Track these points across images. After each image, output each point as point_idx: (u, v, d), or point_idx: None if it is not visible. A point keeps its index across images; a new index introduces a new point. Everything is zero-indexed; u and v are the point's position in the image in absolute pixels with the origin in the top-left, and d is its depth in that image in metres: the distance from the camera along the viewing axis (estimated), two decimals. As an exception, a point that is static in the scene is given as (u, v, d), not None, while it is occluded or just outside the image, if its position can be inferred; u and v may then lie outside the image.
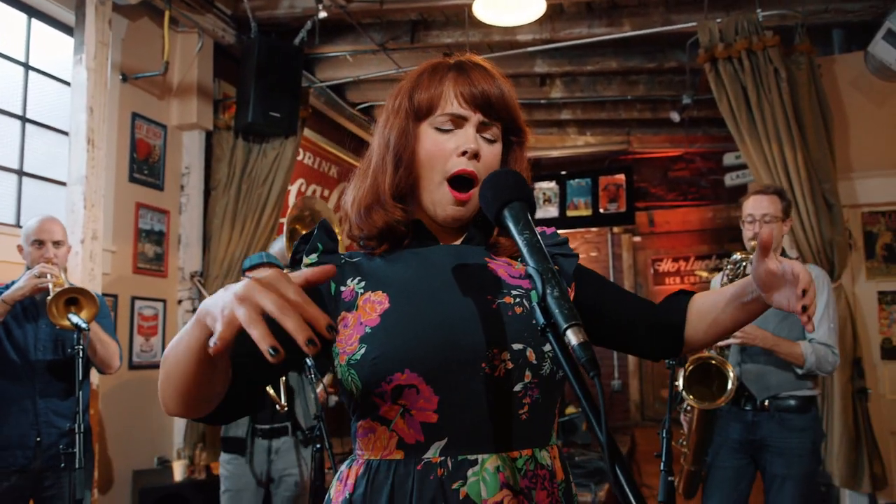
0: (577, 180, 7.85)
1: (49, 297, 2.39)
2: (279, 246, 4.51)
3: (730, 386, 2.45)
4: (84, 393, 2.78)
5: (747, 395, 2.63)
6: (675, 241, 7.67)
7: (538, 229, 1.17)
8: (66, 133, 4.07)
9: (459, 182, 1.07)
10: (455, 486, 0.94)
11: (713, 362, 2.49)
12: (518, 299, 1.04)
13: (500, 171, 1.03)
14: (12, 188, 4.00)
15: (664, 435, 2.18)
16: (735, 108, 4.12)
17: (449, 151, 1.07)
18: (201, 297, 4.86)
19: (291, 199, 6.39)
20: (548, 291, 0.84)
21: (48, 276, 2.53)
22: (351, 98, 6.84)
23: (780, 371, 2.60)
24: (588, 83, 6.08)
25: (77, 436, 2.12)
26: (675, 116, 6.08)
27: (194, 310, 4.99)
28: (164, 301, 4.77)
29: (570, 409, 6.11)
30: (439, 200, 1.08)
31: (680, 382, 2.44)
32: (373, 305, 1.02)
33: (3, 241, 3.70)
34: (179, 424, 4.70)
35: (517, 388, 0.99)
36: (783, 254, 2.70)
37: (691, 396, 2.47)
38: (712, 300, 1.13)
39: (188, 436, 4.59)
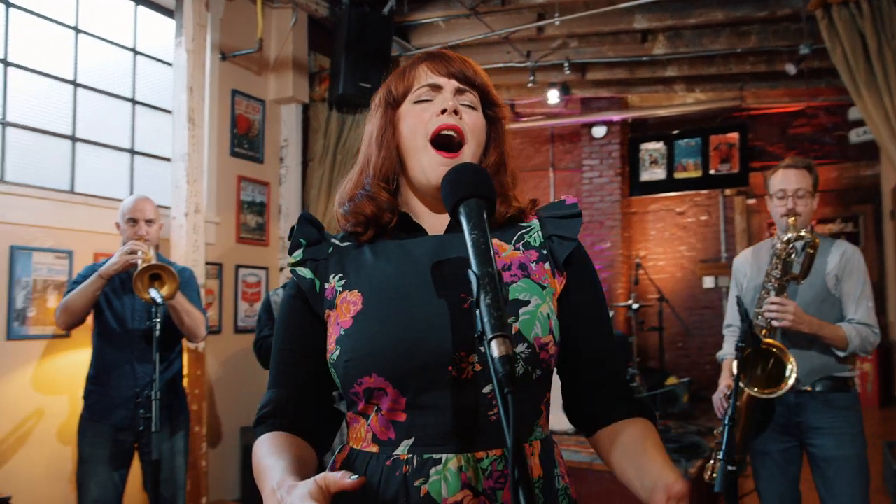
0: (685, 140, 7.46)
1: (135, 273, 2.59)
2: None
3: (787, 374, 2.32)
4: (175, 359, 3.00)
5: None
6: (795, 203, 7.12)
7: (565, 198, 1.16)
8: (170, 112, 4.33)
9: (443, 141, 1.06)
10: (417, 483, 0.95)
11: (773, 350, 2.35)
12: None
13: (460, 166, 1.00)
14: (125, 166, 4.32)
15: (727, 422, 2.07)
16: (851, 59, 3.75)
17: (430, 115, 1.07)
18: (301, 265, 5.08)
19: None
20: (481, 297, 0.82)
21: (138, 252, 2.73)
22: (448, 64, 6.82)
23: (823, 354, 2.48)
24: (693, 37, 5.71)
25: (153, 402, 2.30)
26: (791, 69, 5.60)
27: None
28: (266, 269, 5.02)
29: (671, 380, 5.92)
30: (427, 165, 1.06)
31: (736, 370, 2.30)
32: (348, 306, 1.03)
33: (116, 214, 4.04)
34: (282, 385, 4.98)
35: (486, 389, 0.97)
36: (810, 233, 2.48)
37: (755, 389, 2.34)
38: (631, 446, 1.01)
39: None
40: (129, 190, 4.32)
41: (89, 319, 2.94)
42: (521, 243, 1.10)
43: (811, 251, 2.44)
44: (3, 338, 3.43)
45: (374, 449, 1.00)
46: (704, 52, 5.88)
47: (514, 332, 0.97)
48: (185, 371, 4.07)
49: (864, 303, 2.49)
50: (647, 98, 7.55)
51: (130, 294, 2.70)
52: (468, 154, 1.08)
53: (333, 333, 1.03)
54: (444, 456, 0.96)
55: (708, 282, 7.35)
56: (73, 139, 3.98)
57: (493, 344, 0.79)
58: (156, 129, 4.50)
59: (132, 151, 4.36)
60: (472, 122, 1.09)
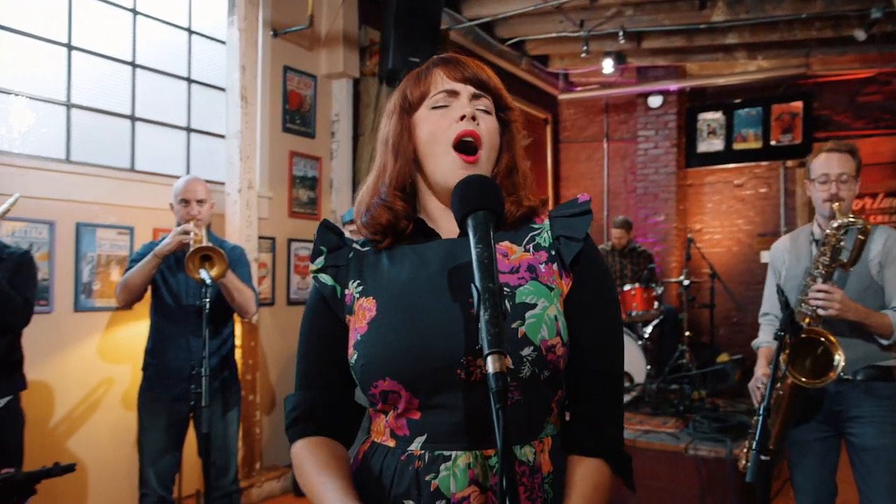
0: (746, 110, 7.21)
1: (187, 254, 2.71)
2: None
3: (835, 363, 2.25)
4: (227, 334, 3.14)
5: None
6: (862, 176, 6.81)
7: (579, 196, 1.16)
8: (224, 89, 4.44)
9: (464, 146, 1.09)
10: (428, 478, 1.00)
11: (822, 339, 2.30)
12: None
13: (470, 178, 1.02)
14: (182, 143, 4.47)
15: (762, 412, 2.05)
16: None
17: (449, 121, 1.10)
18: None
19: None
20: (481, 313, 0.86)
21: (190, 234, 2.86)
22: (501, 34, 6.74)
23: (866, 343, 2.41)
24: (754, 3, 5.48)
25: (203, 378, 2.42)
26: (861, 34, 5.33)
27: (343, 224, 5.35)
28: (318, 242, 5.14)
29: (722, 357, 5.83)
30: (449, 168, 1.09)
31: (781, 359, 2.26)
32: (364, 312, 1.08)
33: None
34: (333, 355, 5.13)
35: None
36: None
37: (803, 378, 2.29)
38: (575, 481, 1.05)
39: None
40: (186, 167, 4.47)
41: (147, 295, 3.09)
42: (531, 245, 1.12)
43: (862, 238, 2.36)
44: (71, 310, 3.65)
45: (391, 443, 1.06)
46: (766, 19, 5.64)
47: (520, 336, 1.00)
48: (238, 342, 4.25)
49: None
50: (707, 66, 7.31)
51: (184, 272, 2.83)
52: (483, 158, 1.11)
53: (352, 338, 1.08)
54: (453, 453, 1.00)
55: (765, 256, 7.11)
56: (133, 119, 4.14)
57: (489, 360, 0.83)
58: (210, 107, 4.63)
59: (188, 129, 4.50)
60: (487, 128, 1.11)
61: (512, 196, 1.13)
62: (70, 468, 2.11)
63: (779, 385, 2.39)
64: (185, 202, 3.00)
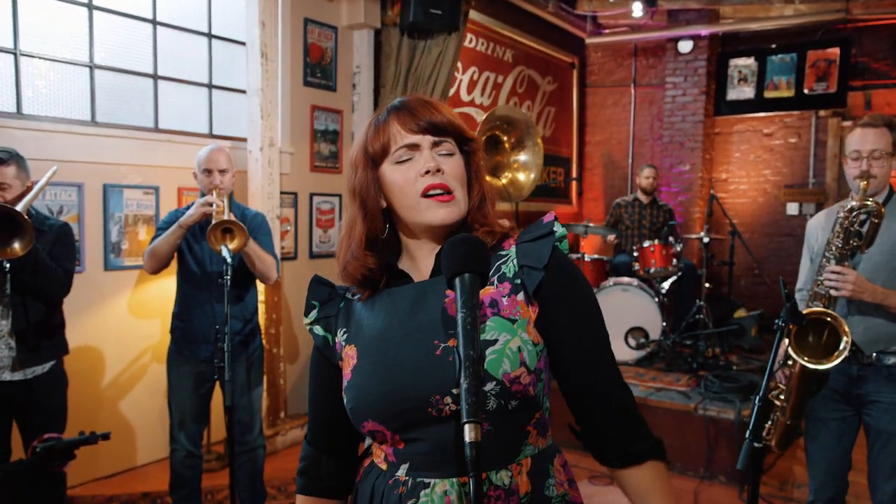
0: (779, 56, 6.97)
1: (209, 227, 2.80)
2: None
3: (842, 346, 2.24)
4: (250, 298, 3.25)
5: (854, 348, 2.41)
6: (896, 127, 6.62)
7: (545, 217, 1.20)
8: (244, 44, 4.42)
9: (433, 194, 1.14)
10: (410, 502, 1.10)
11: (828, 318, 2.29)
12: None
13: (457, 240, 1.06)
14: (204, 100, 4.50)
15: (757, 402, 2.08)
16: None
17: (414, 175, 1.14)
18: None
19: (463, 88, 6.45)
20: (461, 379, 0.93)
21: (213, 205, 2.94)
22: (526, -24, 6.54)
23: (891, 324, 2.38)
24: (793, -52, 5.23)
25: (226, 353, 2.54)
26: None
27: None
28: (339, 195, 5.20)
29: (740, 313, 5.86)
30: (425, 210, 1.14)
31: (787, 342, 2.28)
32: (348, 360, 1.17)
33: (198, 150, 4.26)
34: (355, 306, 5.27)
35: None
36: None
37: (804, 357, 2.30)
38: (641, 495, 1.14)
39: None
40: (209, 124, 4.52)
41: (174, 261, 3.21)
42: (496, 275, 1.16)
43: (875, 221, 2.35)
44: (101, 269, 3.80)
45: (384, 466, 1.17)
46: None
47: (482, 373, 1.06)
48: (261, 298, 4.39)
49: None
50: (741, 10, 7.03)
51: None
52: (460, 197, 1.16)
53: (343, 382, 1.18)
54: (432, 480, 1.10)
55: (792, 208, 7.04)
56: (155, 77, 4.17)
57: (466, 428, 0.90)
58: (232, 61, 4.64)
59: (210, 86, 4.52)
60: (453, 171, 1.16)
61: (485, 227, 1.19)
62: (106, 436, 2.27)
63: (791, 363, 2.41)
64: (208, 172, 3.07)
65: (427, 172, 1.13)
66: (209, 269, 3.10)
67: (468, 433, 0.89)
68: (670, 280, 5.59)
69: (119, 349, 3.92)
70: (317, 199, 5.05)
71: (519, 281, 1.15)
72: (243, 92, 4.51)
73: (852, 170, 2.44)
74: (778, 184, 7.19)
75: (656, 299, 5.11)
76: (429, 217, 1.14)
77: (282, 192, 4.59)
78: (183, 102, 4.37)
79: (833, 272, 2.36)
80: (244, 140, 4.45)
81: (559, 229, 1.17)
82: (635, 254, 5.56)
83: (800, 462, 4.04)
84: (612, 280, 5.30)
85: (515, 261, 1.17)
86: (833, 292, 2.37)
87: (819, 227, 2.66)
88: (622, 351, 5.12)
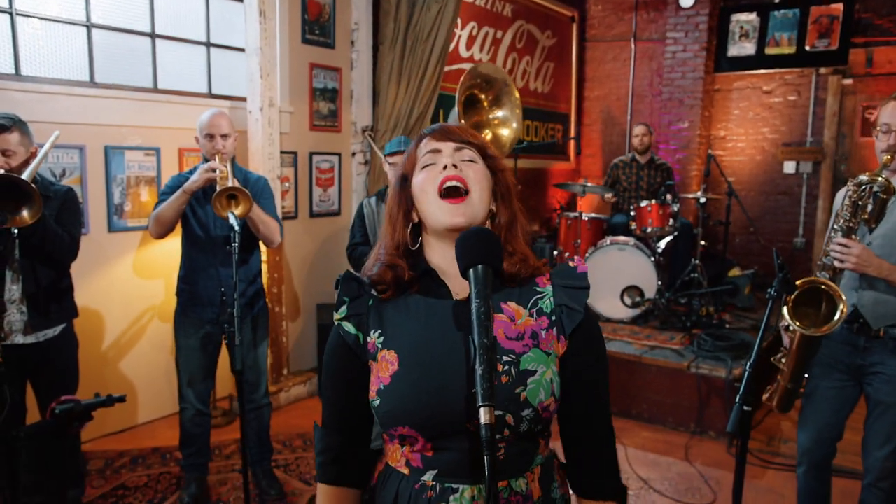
0: (782, 11, 6.89)
1: (214, 194, 2.82)
2: (454, 115, 4.65)
3: (837, 315, 2.29)
4: (254, 261, 3.31)
5: (861, 321, 2.46)
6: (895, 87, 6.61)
7: (577, 264, 1.28)
8: (241, 0, 4.36)
9: (450, 192, 1.20)
10: None
11: (823, 287, 2.33)
12: (506, 367, 1.16)
13: (469, 232, 1.13)
14: (202, 59, 4.47)
15: (748, 368, 2.13)
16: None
17: (435, 174, 1.22)
18: (372, 151, 5.25)
19: (462, 44, 6.39)
20: (476, 366, 0.99)
21: (216, 171, 2.96)
22: (526, -72, 6.40)
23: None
24: None
25: (235, 319, 2.59)
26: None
27: (366, 162, 5.42)
28: (338, 154, 5.21)
29: (734, 272, 5.94)
30: (438, 214, 1.20)
31: (785, 310, 2.33)
32: (387, 365, 1.19)
33: (198, 110, 4.24)
34: (355, 265, 5.34)
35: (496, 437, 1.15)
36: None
37: (797, 322, 2.36)
38: None
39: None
40: (207, 83, 4.50)
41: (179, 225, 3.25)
42: (535, 309, 1.23)
43: (884, 196, 2.33)
44: (105, 230, 3.83)
45: (405, 471, 1.22)
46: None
47: (522, 400, 1.14)
48: (263, 258, 4.45)
49: None
50: (745, -37, 6.92)
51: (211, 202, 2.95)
52: (476, 199, 1.21)
53: (375, 383, 1.21)
54: (461, 486, 1.17)
55: (789, 166, 7.06)
56: (153, 36, 4.13)
57: (481, 411, 0.97)
58: (230, 19, 4.58)
59: (208, 44, 4.48)
60: (474, 172, 1.23)
61: (517, 255, 1.24)
62: (122, 398, 2.34)
63: (791, 329, 2.47)
64: (210, 137, 3.08)
65: (445, 168, 1.21)
66: (213, 232, 3.14)
67: (483, 416, 0.95)
68: (666, 239, 5.65)
69: (124, 309, 3.99)
70: (316, 157, 5.05)
71: (555, 318, 1.22)
72: (242, 50, 4.47)
73: (880, 143, 2.41)
74: (776, 142, 7.19)
75: (652, 259, 5.18)
76: (442, 219, 1.19)
77: (281, 152, 4.59)
78: (181, 62, 4.33)
79: (839, 244, 2.38)
80: (243, 99, 4.43)
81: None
82: (632, 213, 5.61)
83: (787, 418, 4.18)
84: (608, 239, 5.35)
85: (552, 299, 1.24)
86: (837, 264, 2.39)
87: (842, 206, 2.64)
88: (618, 309, 5.21)
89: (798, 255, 7.07)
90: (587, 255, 5.34)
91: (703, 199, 5.54)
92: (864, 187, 2.35)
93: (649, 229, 5.47)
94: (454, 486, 1.17)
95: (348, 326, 1.25)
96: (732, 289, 5.64)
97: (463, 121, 4.69)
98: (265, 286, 4.46)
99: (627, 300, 5.16)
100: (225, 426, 4.17)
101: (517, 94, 5.58)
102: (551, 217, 7.51)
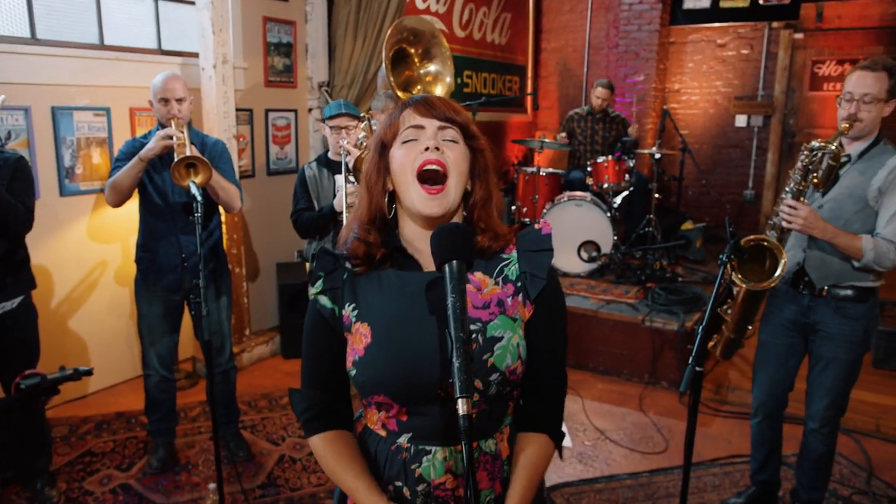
0: (737, -36, 6.91)
1: (172, 164, 2.76)
2: (381, 73, 4.58)
3: (778, 272, 2.42)
4: (215, 227, 3.27)
5: (807, 279, 2.60)
6: (845, 41, 6.75)
7: (541, 226, 1.31)
8: (191, -47, 4.19)
9: (428, 175, 1.21)
10: (413, 466, 1.24)
11: (767, 244, 2.44)
12: (474, 335, 1.21)
13: (445, 227, 1.16)
14: (150, 14, 4.29)
15: (699, 330, 2.23)
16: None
17: (415, 153, 1.22)
18: (329, 107, 5.16)
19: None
20: (453, 358, 1.04)
21: (173, 137, 2.89)
22: None
23: (843, 262, 2.52)
24: None
25: (201, 290, 2.56)
26: None
27: (323, 120, 5.33)
28: (294, 110, 5.12)
29: (687, 225, 6.11)
30: (415, 199, 1.22)
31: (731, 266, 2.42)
32: (360, 337, 1.25)
33: (148, 68, 4.11)
34: (314, 223, 5.30)
35: None
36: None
37: (740, 276, 2.47)
38: (516, 464, 1.27)
39: (320, 236, 5.21)
40: (157, 38, 4.34)
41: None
42: (500, 277, 1.28)
43: (832, 163, 2.42)
44: (57, 195, 3.72)
45: (382, 433, 1.29)
46: None
47: (489, 365, 1.20)
48: (222, 219, 4.39)
49: None
50: (701, -86, 6.89)
51: (170, 170, 2.89)
52: (452, 185, 1.23)
53: (350, 354, 1.26)
54: (433, 448, 1.24)
55: (740, 120, 7.21)
56: (97, -12, 3.94)
57: (459, 402, 1.02)
58: (177, -30, 4.39)
59: (156, -3, 4.30)
60: (454, 156, 1.23)
61: (489, 232, 1.27)
62: (89, 372, 2.33)
63: (736, 289, 2.59)
64: (165, 101, 2.99)
65: (427, 149, 1.21)
66: (172, 199, 3.09)
67: (461, 407, 1.01)
68: (623, 195, 5.76)
69: (81, 274, 3.91)
70: (272, 115, 4.96)
71: (520, 284, 1.27)
72: (192, 3, 4.31)
73: (841, 111, 2.48)
74: (728, 95, 7.32)
75: (608, 214, 5.28)
76: (418, 205, 1.21)
77: (237, 110, 4.49)
78: (128, 16, 4.16)
79: (787, 205, 2.47)
80: (195, 55, 4.30)
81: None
82: (589, 169, 5.69)
83: (734, 367, 4.39)
84: (566, 195, 5.43)
85: (517, 265, 1.28)
86: (785, 225, 2.49)
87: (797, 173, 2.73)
88: (575, 264, 5.33)
89: (748, 207, 7.29)
90: (545, 210, 5.41)
91: (657, 155, 5.63)
92: (815, 153, 2.44)
93: (605, 185, 5.56)
94: (427, 447, 1.24)
95: (324, 300, 1.29)
96: (685, 243, 5.80)
97: (392, 78, 4.61)
98: (224, 248, 4.43)
99: (584, 255, 5.28)
100: (189, 388, 4.17)
101: (446, 45, 5.49)
102: (508, 171, 7.55)
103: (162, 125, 3.06)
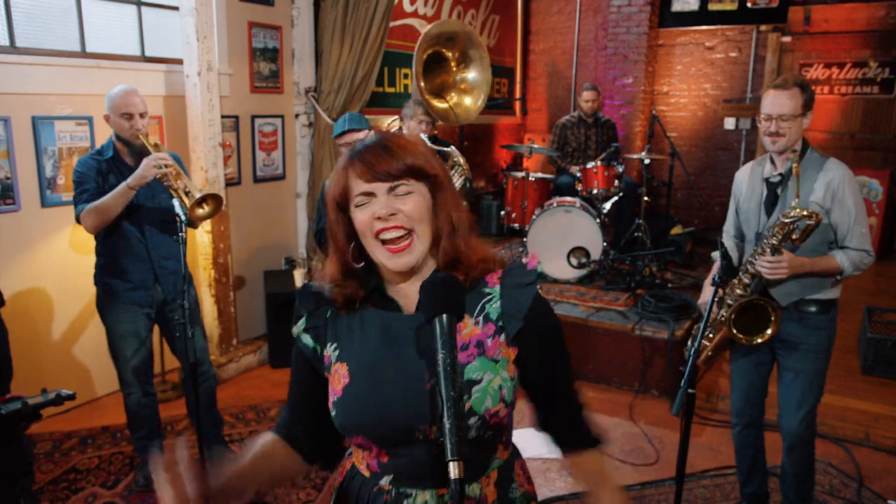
0: (725, -33, 6.92)
1: (189, 207, 2.74)
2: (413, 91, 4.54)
3: (769, 332, 2.54)
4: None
5: (770, 297, 2.65)
6: (832, 44, 6.77)
7: (528, 260, 1.27)
8: (174, -42, 4.12)
9: (388, 239, 1.19)
10: None
11: (761, 303, 2.54)
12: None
13: (432, 281, 1.11)
14: (132, 20, 4.22)
15: (692, 353, 2.25)
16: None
17: (369, 220, 1.19)
18: (316, 112, 5.11)
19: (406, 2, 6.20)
20: (444, 420, 0.99)
21: (163, 166, 2.81)
22: None
23: (804, 281, 2.59)
24: None
25: (186, 311, 2.50)
26: None
27: (310, 124, 5.28)
28: (281, 116, 5.06)
29: (676, 230, 6.11)
30: (382, 258, 1.20)
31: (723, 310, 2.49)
32: (339, 378, 1.22)
33: (131, 75, 4.04)
34: (302, 230, 5.25)
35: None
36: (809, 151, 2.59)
37: (734, 330, 2.58)
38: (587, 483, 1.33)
39: (309, 245, 5.16)
40: (140, 44, 4.27)
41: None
42: (482, 315, 1.23)
43: (813, 227, 2.45)
44: (38, 206, 3.65)
45: (367, 474, 1.27)
46: None
47: (467, 409, 1.16)
48: (207, 228, 4.34)
49: (858, 229, 2.53)
50: (690, -84, 6.88)
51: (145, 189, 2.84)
52: (417, 235, 1.19)
53: (331, 395, 1.24)
54: (415, 491, 1.21)
55: (729, 123, 7.22)
56: (78, -5, 3.87)
57: (451, 466, 0.97)
58: (161, -25, 4.32)
59: (138, 3, 4.23)
60: (411, 208, 1.18)
61: (460, 265, 1.23)
62: (71, 396, 2.29)
63: (723, 316, 2.65)
64: (129, 116, 2.90)
65: (379, 218, 1.17)
66: (146, 223, 3.04)
67: (453, 470, 0.96)
68: (612, 200, 5.74)
69: (64, 285, 3.84)
70: (259, 121, 4.90)
71: (501, 324, 1.22)
72: (175, 9, 4.24)
73: (763, 129, 2.59)
74: (717, 98, 7.32)
75: (598, 220, 5.26)
76: (387, 263, 1.19)
77: (222, 116, 4.43)
78: (110, 22, 4.09)
79: (767, 262, 2.52)
80: (179, 62, 4.24)
81: (540, 276, 1.25)
82: (578, 175, 5.66)
83: (725, 375, 4.38)
84: (555, 200, 5.40)
85: (499, 303, 1.23)
86: (770, 277, 2.54)
87: (743, 182, 2.81)
88: (564, 270, 5.31)
89: (735, 209, 7.30)
90: (534, 216, 5.39)
91: (647, 161, 5.62)
92: (793, 221, 2.45)
93: (595, 191, 5.54)
94: (408, 490, 1.21)
95: (306, 339, 1.29)
96: (675, 245, 5.80)
97: (423, 84, 4.56)
98: (210, 256, 4.38)
99: (574, 261, 5.25)
100: (176, 400, 4.12)
101: (487, 56, 5.45)
102: (497, 174, 7.52)
103: (122, 140, 2.98)
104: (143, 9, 4.26)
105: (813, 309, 2.63)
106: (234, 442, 3.63)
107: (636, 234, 5.69)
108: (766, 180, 2.67)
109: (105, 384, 4.12)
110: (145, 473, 3.21)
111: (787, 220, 2.45)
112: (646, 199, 5.74)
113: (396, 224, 1.17)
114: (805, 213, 2.41)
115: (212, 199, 2.76)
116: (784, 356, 2.72)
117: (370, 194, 1.19)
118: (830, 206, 2.53)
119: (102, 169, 2.95)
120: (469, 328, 1.22)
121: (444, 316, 1.07)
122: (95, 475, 3.29)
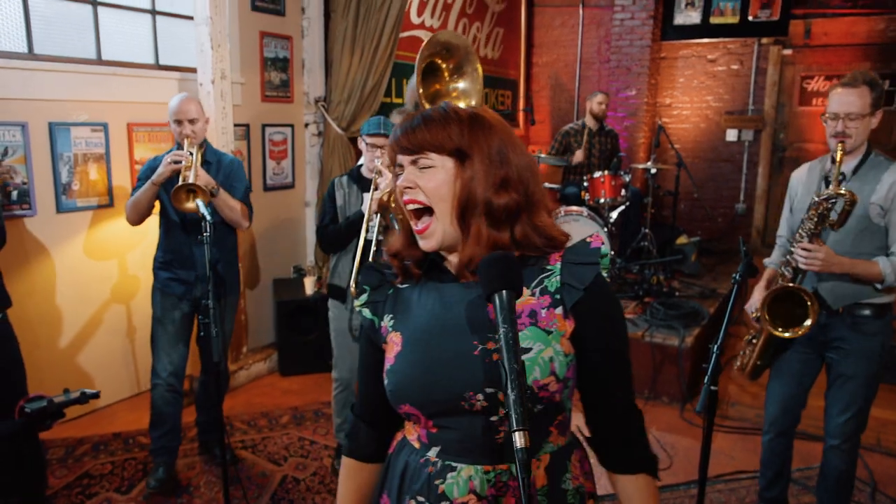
0: (727, -19, 7.01)
1: (172, 190, 2.85)
2: (411, 84, 4.58)
3: (808, 322, 2.47)
4: (230, 243, 3.31)
5: (821, 300, 2.59)
6: (833, 57, 6.85)
7: (592, 239, 1.25)
8: (189, -32, 4.17)
9: (412, 213, 1.24)
10: (437, 482, 1.22)
11: (804, 296, 2.47)
12: (499, 345, 1.17)
13: (492, 257, 1.10)
14: (147, 29, 4.26)
15: (715, 350, 2.24)
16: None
17: (400, 190, 1.24)
18: (325, 122, 5.14)
19: (413, 10, 6.26)
20: (508, 392, 0.99)
21: (181, 161, 2.95)
22: None
23: (855, 284, 2.53)
24: None
25: (211, 310, 2.51)
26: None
27: (320, 133, 5.31)
28: (291, 125, 5.10)
29: (682, 240, 6.14)
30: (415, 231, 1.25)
31: (757, 300, 2.47)
32: (393, 346, 1.26)
33: (146, 83, 4.08)
34: (311, 239, 5.27)
35: (493, 419, 1.19)
36: (868, 152, 2.54)
37: (768, 317, 2.51)
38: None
39: (318, 254, 5.17)
40: (154, 53, 4.30)
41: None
42: (538, 288, 1.23)
43: (848, 207, 2.42)
44: (53, 212, 3.67)
45: (416, 444, 1.28)
46: None
47: None
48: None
49: None
50: (692, -69, 6.98)
51: None
52: (440, 214, 1.20)
53: (386, 364, 1.27)
54: (459, 465, 1.22)
55: (731, 134, 7.28)
56: (94, 3, 3.91)
57: (516, 436, 0.97)
58: (175, -15, 4.37)
59: (153, 12, 4.27)
60: (427, 185, 1.20)
61: (525, 244, 1.23)
62: (96, 395, 2.28)
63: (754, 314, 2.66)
64: (178, 122, 3.11)
65: (405, 189, 1.22)
66: (188, 216, 3.10)
67: (518, 440, 0.96)
68: (619, 209, 5.77)
69: (77, 291, 3.85)
70: (269, 129, 4.93)
71: (559, 296, 1.21)
72: (189, 18, 4.28)
73: (829, 129, 2.50)
74: (719, 110, 7.39)
75: (605, 229, 5.29)
76: (418, 240, 1.24)
77: (234, 125, 4.46)
78: (125, 31, 4.13)
79: (804, 249, 2.48)
80: (193, 70, 4.27)
81: (605, 259, 1.23)
82: (585, 184, 5.70)
83: (734, 382, 4.40)
84: (562, 210, 5.43)
85: (559, 277, 1.22)
86: (804, 267, 2.50)
87: (800, 184, 2.74)
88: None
89: (740, 220, 7.35)
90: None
91: (653, 170, 5.66)
92: (830, 201, 2.43)
93: (602, 200, 5.57)
94: (454, 464, 1.22)
95: (366, 312, 1.34)
96: (681, 255, 5.83)
97: (421, 90, 4.61)
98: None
99: (581, 270, 5.27)
100: (187, 406, 4.10)
101: (479, 64, 5.52)
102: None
103: (179, 144, 3.14)
104: (158, 18, 4.30)
105: (867, 312, 2.56)
106: (247, 448, 3.62)
107: (642, 243, 5.72)
108: (826, 178, 2.59)
109: (118, 390, 4.12)
110: (158, 477, 3.19)
111: (819, 199, 2.41)
112: (651, 209, 5.77)
113: (413, 198, 1.20)
114: (841, 191, 2.36)
115: (197, 189, 2.83)
116: (836, 361, 2.65)
117: (400, 166, 1.24)
118: (890, 206, 2.45)
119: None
120: (524, 298, 1.22)
121: (504, 292, 1.08)
122: (109, 480, 3.28)
